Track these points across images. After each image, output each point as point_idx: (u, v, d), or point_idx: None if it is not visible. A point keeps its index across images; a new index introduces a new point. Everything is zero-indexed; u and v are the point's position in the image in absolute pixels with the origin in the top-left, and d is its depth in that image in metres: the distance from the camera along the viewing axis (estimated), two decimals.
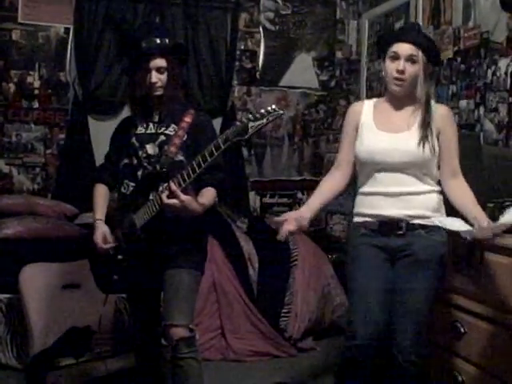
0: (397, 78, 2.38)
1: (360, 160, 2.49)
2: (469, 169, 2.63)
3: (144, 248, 2.45)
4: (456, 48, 3.50)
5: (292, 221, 2.42)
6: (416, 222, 2.39)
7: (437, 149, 2.41)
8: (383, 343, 2.46)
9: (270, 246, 4.03)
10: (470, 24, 3.38)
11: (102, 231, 2.51)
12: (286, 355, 3.72)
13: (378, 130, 2.46)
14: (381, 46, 2.50)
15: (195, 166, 2.23)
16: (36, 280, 3.31)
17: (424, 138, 2.38)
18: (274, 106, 2.16)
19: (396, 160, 2.39)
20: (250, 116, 2.16)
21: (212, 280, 3.70)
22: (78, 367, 3.13)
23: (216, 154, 2.19)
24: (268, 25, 4.90)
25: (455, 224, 2.33)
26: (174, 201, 2.27)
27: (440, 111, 2.45)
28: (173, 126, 2.48)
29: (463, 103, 3.42)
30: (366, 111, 2.53)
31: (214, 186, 2.45)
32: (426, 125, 2.40)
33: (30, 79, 4.45)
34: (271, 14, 4.90)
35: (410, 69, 2.37)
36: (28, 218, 3.81)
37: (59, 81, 4.49)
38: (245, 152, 4.87)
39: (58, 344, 3.16)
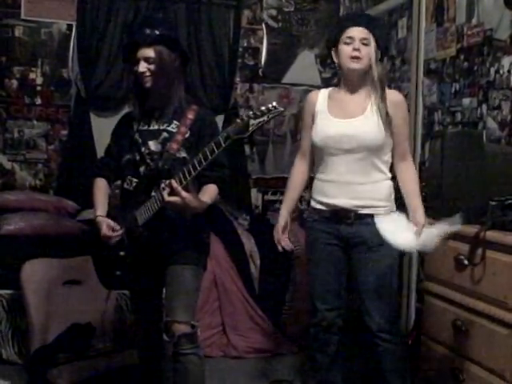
0: (353, 57, 2.54)
1: (314, 146, 2.65)
2: (471, 167, 2.63)
3: (146, 244, 2.45)
4: (459, 46, 3.49)
5: (284, 239, 2.78)
6: (364, 211, 2.56)
7: (388, 133, 2.55)
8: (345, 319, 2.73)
9: (272, 243, 4.02)
10: (474, 21, 3.37)
11: (106, 223, 2.50)
12: (287, 352, 3.73)
13: (332, 117, 2.61)
14: (334, 37, 2.62)
15: (196, 163, 2.23)
16: (37, 276, 3.32)
17: (373, 122, 2.53)
18: (274, 104, 2.18)
19: (347, 145, 2.54)
20: (251, 113, 2.16)
21: (213, 277, 3.70)
22: (78, 363, 3.13)
23: (217, 151, 2.19)
24: (271, 22, 4.89)
25: (396, 232, 2.48)
26: (175, 198, 2.27)
27: (392, 97, 2.60)
28: (175, 122, 2.48)
29: (466, 101, 3.40)
30: (320, 99, 2.69)
31: (216, 183, 2.45)
32: (378, 109, 2.53)
33: (32, 75, 4.44)
34: (274, 11, 4.90)
35: (364, 50, 2.54)
36: (30, 214, 3.82)
37: (61, 77, 4.49)
38: (247, 149, 4.86)
39: (59, 340, 3.17)
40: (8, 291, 3.41)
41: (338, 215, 2.59)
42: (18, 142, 4.44)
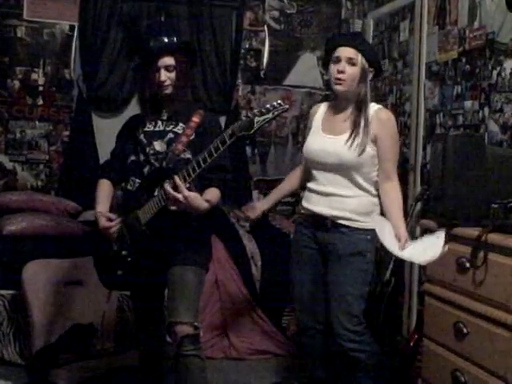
0: (337, 78, 2.60)
1: (304, 158, 2.81)
2: (473, 170, 2.64)
3: (148, 244, 2.46)
4: (461, 48, 3.49)
5: (249, 209, 2.93)
6: (341, 222, 2.64)
7: (371, 152, 2.61)
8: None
9: (273, 245, 4.03)
10: (476, 24, 3.37)
11: (103, 215, 2.51)
12: (288, 354, 3.72)
13: (322, 132, 2.72)
14: (327, 53, 2.71)
15: (201, 160, 2.23)
16: (39, 277, 3.32)
17: (352, 141, 2.59)
18: (279, 101, 2.20)
19: (325, 161, 2.64)
20: (256, 111, 2.17)
21: (215, 278, 3.70)
22: (80, 364, 3.14)
23: (221, 148, 2.19)
24: (273, 24, 4.90)
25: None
26: (178, 195, 2.27)
27: (379, 115, 2.65)
28: (181, 124, 2.50)
29: (468, 104, 3.41)
30: (319, 113, 2.80)
31: (219, 187, 2.46)
32: (355, 127, 2.61)
33: (34, 76, 4.46)
34: (276, 13, 4.91)
35: (350, 70, 2.59)
36: (31, 215, 3.82)
37: (64, 78, 4.50)
38: (248, 151, 4.87)
39: (61, 341, 3.17)
40: (10, 292, 3.41)
41: (317, 221, 2.69)
42: (20, 143, 4.45)
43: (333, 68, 2.63)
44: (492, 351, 2.42)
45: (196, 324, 2.43)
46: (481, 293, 2.50)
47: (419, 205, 3.34)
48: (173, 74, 2.44)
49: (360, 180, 2.65)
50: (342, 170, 2.62)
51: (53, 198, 4.30)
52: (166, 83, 2.44)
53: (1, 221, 3.73)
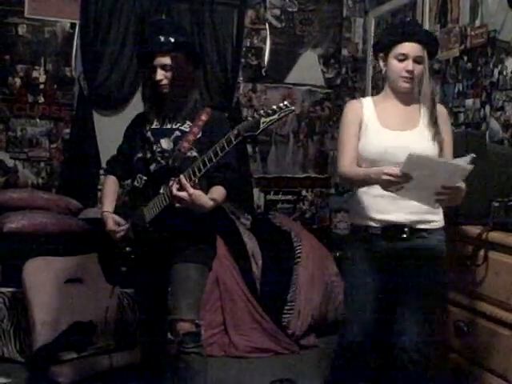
0: (406, 77, 2.40)
1: (368, 159, 2.43)
2: (474, 168, 2.63)
3: (152, 241, 2.46)
4: (462, 47, 3.49)
5: None
6: (419, 226, 2.40)
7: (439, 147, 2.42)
8: (378, 345, 2.57)
9: (274, 243, 4.03)
10: (477, 23, 3.37)
11: (111, 218, 2.53)
12: (289, 352, 3.73)
13: (384, 129, 2.44)
14: (384, 44, 2.47)
15: (206, 160, 2.24)
16: (39, 274, 3.33)
17: (434, 136, 2.40)
18: (285, 102, 2.19)
19: (400, 159, 2.31)
20: (262, 112, 2.17)
21: (215, 276, 3.69)
22: (80, 361, 3.14)
23: (227, 148, 2.19)
24: (274, 22, 4.89)
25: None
26: (182, 193, 2.27)
27: (438, 109, 2.49)
28: (188, 122, 2.50)
29: (469, 102, 3.41)
30: (367, 108, 2.51)
31: (224, 185, 2.45)
32: (434, 122, 2.42)
33: (35, 74, 4.44)
34: (277, 11, 4.89)
35: (417, 68, 2.40)
36: (32, 213, 3.81)
37: (65, 76, 4.48)
38: (249, 149, 4.86)
39: (61, 338, 3.17)
40: (10, 289, 3.41)
41: (392, 232, 2.41)
42: (21, 141, 4.44)
43: (398, 66, 2.40)
44: (493, 350, 2.42)
45: (197, 321, 2.43)
46: (481, 291, 2.50)
47: None
48: (169, 74, 2.44)
49: None
50: None
51: (54, 195, 4.29)
52: (162, 82, 2.44)
53: (1, 218, 3.72)
